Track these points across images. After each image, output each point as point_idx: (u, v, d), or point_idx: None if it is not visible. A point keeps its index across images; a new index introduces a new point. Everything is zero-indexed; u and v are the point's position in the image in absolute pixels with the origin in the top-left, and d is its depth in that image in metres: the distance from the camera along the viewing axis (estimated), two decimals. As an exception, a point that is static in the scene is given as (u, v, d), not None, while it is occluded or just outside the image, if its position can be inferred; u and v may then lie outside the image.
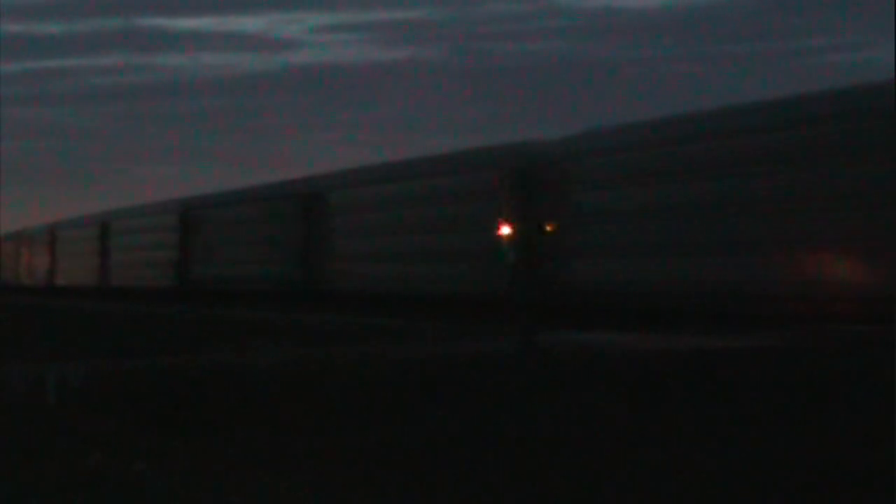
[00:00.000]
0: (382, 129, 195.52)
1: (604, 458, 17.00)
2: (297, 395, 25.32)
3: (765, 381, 26.91)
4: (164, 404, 23.75)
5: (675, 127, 56.68)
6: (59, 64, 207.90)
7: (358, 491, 14.89)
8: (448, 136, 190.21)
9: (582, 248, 58.34)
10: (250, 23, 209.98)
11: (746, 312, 48.78)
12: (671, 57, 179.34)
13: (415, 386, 26.92)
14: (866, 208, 45.41)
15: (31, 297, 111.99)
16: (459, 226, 68.02)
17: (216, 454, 17.73)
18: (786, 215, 48.74)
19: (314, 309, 68.24)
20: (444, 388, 26.26)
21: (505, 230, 44.25)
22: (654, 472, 15.89)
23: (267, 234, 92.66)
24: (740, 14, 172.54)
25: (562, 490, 14.89)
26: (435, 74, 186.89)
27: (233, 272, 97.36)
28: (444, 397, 24.66)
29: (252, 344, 39.59)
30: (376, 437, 19.26)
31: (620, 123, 63.10)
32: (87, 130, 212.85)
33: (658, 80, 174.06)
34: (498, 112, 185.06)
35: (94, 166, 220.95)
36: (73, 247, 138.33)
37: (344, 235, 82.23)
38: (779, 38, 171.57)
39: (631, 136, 59.06)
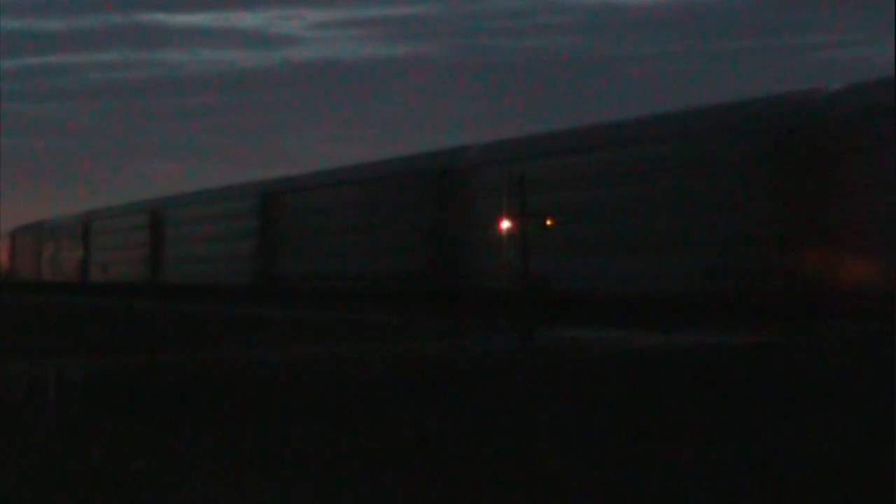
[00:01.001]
0: (382, 125, 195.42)
1: (601, 455, 17.05)
2: (297, 392, 25.34)
3: (761, 377, 26.94)
4: (163, 402, 23.78)
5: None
6: (59, 60, 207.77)
7: (357, 489, 14.93)
8: (448, 132, 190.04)
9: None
10: (249, 19, 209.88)
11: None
12: (671, 53, 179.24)
13: (414, 384, 26.95)
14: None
15: (59, 295, 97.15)
16: None
17: (215, 451, 17.76)
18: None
19: (316, 307, 68.15)
20: (443, 386, 26.30)
21: (505, 225, 44.18)
22: (651, 469, 15.94)
23: (389, 220, 76.81)
24: (740, 10, 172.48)
25: (561, 489, 14.94)
26: (435, 70, 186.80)
27: (331, 267, 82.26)
28: (443, 395, 24.70)
29: (251, 341, 39.60)
30: (375, 435, 19.29)
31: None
32: (86, 126, 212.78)
33: (658, 76, 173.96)
34: (498, 108, 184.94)
35: (94, 162, 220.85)
36: (114, 238, 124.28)
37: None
38: (779, 35, 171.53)
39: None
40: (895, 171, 47.01)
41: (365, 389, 25.77)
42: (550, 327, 42.93)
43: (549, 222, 45.55)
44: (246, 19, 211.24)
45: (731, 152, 54.08)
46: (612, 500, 14.25)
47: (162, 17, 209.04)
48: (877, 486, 14.59)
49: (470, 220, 70.18)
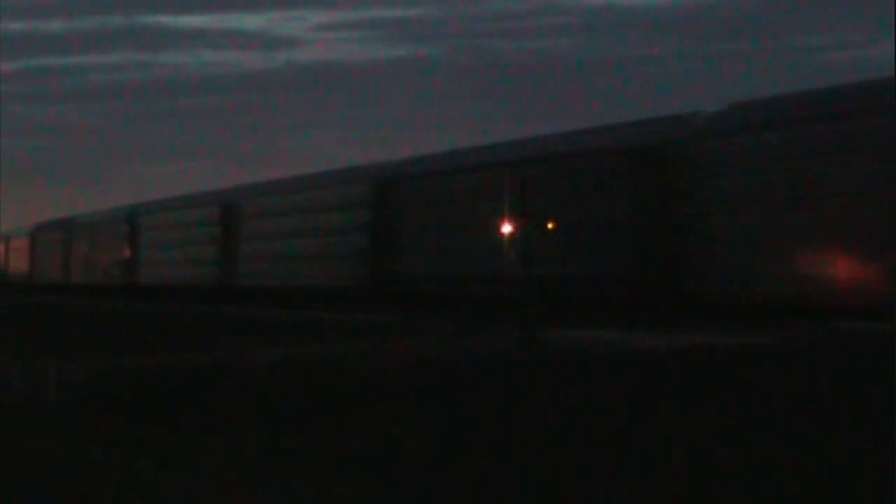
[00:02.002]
0: (383, 127, 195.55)
1: (603, 456, 17.04)
2: (298, 392, 25.35)
3: (763, 378, 26.93)
4: (164, 402, 23.78)
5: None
6: (61, 62, 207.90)
7: (358, 489, 14.92)
8: (449, 134, 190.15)
9: None
10: (252, 21, 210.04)
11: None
12: (673, 54, 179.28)
13: (415, 384, 26.94)
14: None
15: (97, 299, 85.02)
16: None
17: (217, 452, 17.76)
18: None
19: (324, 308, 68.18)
20: (444, 386, 26.30)
21: (506, 228, 44.29)
22: (652, 470, 15.93)
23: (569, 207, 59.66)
24: (742, 12, 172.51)
25: (562, 489, 14.93)
26: (436, 72, 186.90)
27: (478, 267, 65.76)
28: (443, 395, 24.70)
29: (252, 342, 39.60)
30: (377, 436, 19.29)
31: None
32: (89, 128, 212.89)
33: (660, 78, 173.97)
34: (499, 110, 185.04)
35: (97, 164, 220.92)
36: (166, 235, 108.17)
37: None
38: (781, 36, 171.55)
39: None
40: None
41: (368, 389, 25.77)
42: (553, 327, 42.91)
43: (549, 225, 45.56)
44: (248, 21, 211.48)
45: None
46: (614, 501, 14.25)
47: (164, 19, 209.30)
48: (877, 487, 14.60)
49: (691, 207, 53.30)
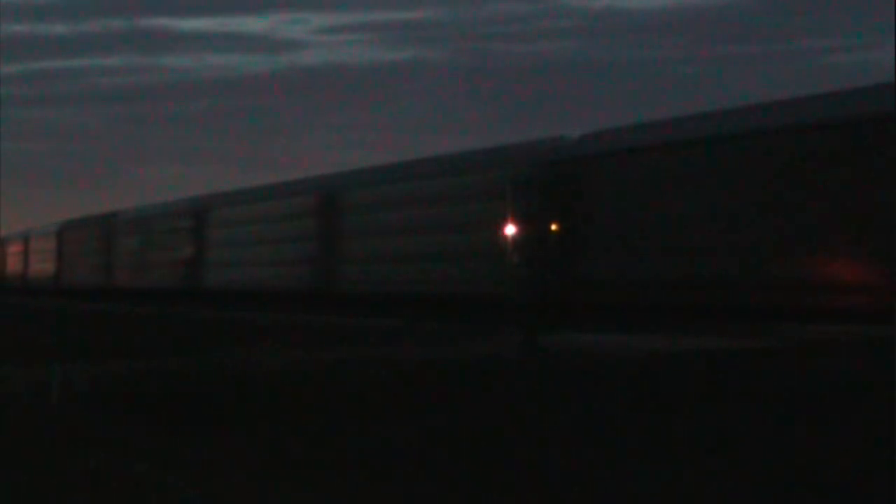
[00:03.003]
0: (387, 130, 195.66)
1: (607, 461, 17.07)
2: (302, 397, 25.38)
3: (766, 381, 26.95)
4: (168, 406, 23.82)
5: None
6: (63, 64, 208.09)
7: (362, 493, 14.96)
8: (453, 137, 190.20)
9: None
10: (255, 24, 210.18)
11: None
12: (675, 58, 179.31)
13: (418, 388, 26.98)
14: None
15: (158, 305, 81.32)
16: None
17: (220, 456, 17.80)
18: None
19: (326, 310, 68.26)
20: (446, 391, 26.33)
21: (510, 230, 44.26)
22: (656, 474, 15.96)
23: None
24: (744, 15, 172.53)
25: (564, 493, 14.96)
26: (439, 75, 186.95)
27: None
28: (446, 400, 24.73)
29: (258, 345, 39.64)
30: (380, 440, 19.33)
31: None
32: (91, 131, 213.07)
33: (662, 81, 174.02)
34: (503, 113, 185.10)
35: (99, 167, 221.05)
36: (249, 231, 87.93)
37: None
38: (782, 40, 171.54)
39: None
40: None
41: (370, 394, 25.80)
42: (553, 331, 42.94)
43: (554, 227, 45.43)
44: (251, 24, 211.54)
45: None
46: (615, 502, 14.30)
47: (166, 22, 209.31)
48: (878, 488, 14.62)
49: None
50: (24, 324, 56.50)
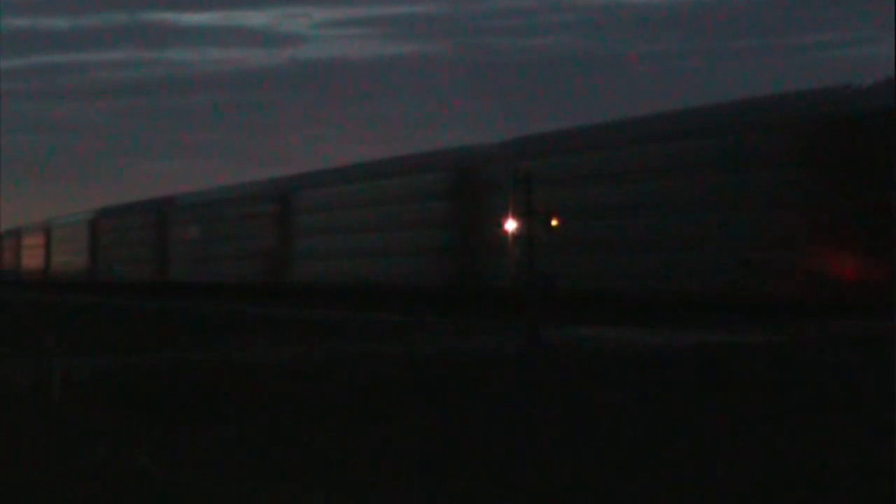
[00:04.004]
0: (387, 124, 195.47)
1: (608, 453, 17.08)
2: (300, 391, 25.38)
3: (766, 376, 26.95)
4: (167, 400, 23.83)
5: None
6: (65, 59, 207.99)
7: (360, 486, 14.96)
8: (453, 130, 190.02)
9: None
10: (256, 17, 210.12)
11: None
12: (676, 52, 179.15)
13: (420, 382, 26.98)
14: None
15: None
16: None
17: (219, 449, 17.81)
18: None
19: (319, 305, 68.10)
20: (448, 385, 26.33)
21: (510, 226, 44.12)
22: (658, 467, 15.96)
23: None
24: (746, 9, 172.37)
25: (566, 486, 14.97)
26: (440, 69, 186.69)
27: None
28: (448, 394, 24.74)
29: (255, 340, 39.64)
30: (379, 434, 19.32)
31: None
32: (93, 125, 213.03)
33: (663, 75, 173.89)
34: (503, 107, 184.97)
35: (101, 161, 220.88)
36: (346, 217, 74.07)
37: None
38: (784, 34, 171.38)
39: None
40: None
41: (373, 389, 25.81)
42: (556, 326, 42.91)
43: (554, 222, 45.28)
44: (252, 18, 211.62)
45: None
46: (617, 501, 14.28)
47: (168, 16, 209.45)
48: (878, 486, 14.62)
49: None
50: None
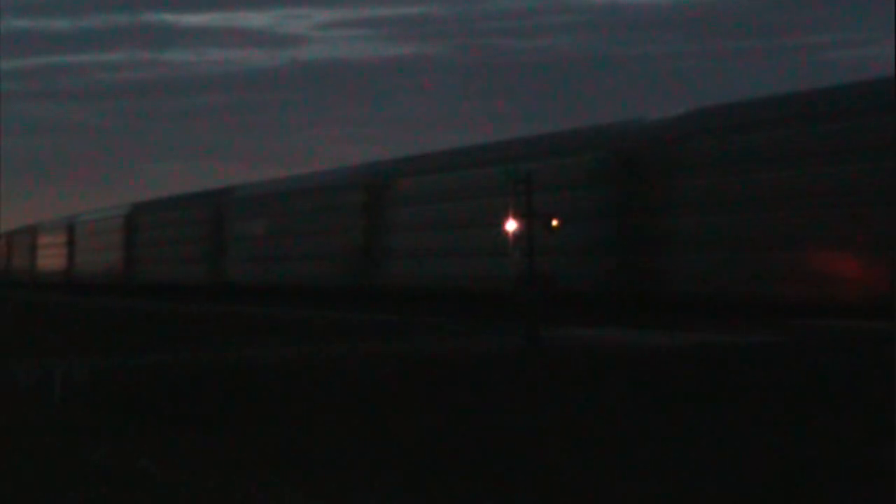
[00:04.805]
0: (388, 125, 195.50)
1: (608, 455, 17.10)
2: (301, 392, 25.41)
3: (766, 376, 26.98)
4: (168, 401, 23.86)
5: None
6: (65, 60, 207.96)
7: (360, 488, 14.98)
8: (454, 132, 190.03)
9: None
10: (256, 18, 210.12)
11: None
12: (676, 53, 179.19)
13: (420, 383, 27.01)
14: None
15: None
16: None
17: (220, 451, 17.83)
18: None
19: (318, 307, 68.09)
20: (448, 386, 26.36)
21: (510, 226, 44.15)
22: (656, 468, 15.99)
23: None
24: (746, 10, 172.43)
25: (567, 487, 14.99)
26: (441, 70, 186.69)
27: None
28: (448, 394, 24.76)
29: (257, 341, 39.67)
30: (380, 435, 19.35)
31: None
32: (93, 126, 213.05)
33: (663, 76, 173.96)
34: (504, 108, 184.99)
35: (101, 162, 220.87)
36: (458, 208, 61.94)
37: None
38: (784, 35, 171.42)
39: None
40: None
41: (370, 389, 25.84)
42: (556, 326, 42.94)
43: (554, 223, 45.22)
44: (253, 19, 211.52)
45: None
46: (618, 501, 14.30)
47: (168, 17, 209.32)
48: (878, 486, 14.65)
49: None
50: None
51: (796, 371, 28.06)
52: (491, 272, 57.68)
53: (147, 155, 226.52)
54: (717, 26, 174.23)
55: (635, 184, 53.39)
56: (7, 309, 69.61)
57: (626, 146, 54.37)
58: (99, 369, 29.08)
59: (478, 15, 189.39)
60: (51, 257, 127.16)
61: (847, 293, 43.54)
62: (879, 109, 44.18)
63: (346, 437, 18.98)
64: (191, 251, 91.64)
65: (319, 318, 54.93)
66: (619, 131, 56.39)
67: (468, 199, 61.73)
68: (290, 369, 30.03)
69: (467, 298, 59.56)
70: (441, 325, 47.39)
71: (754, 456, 16.73)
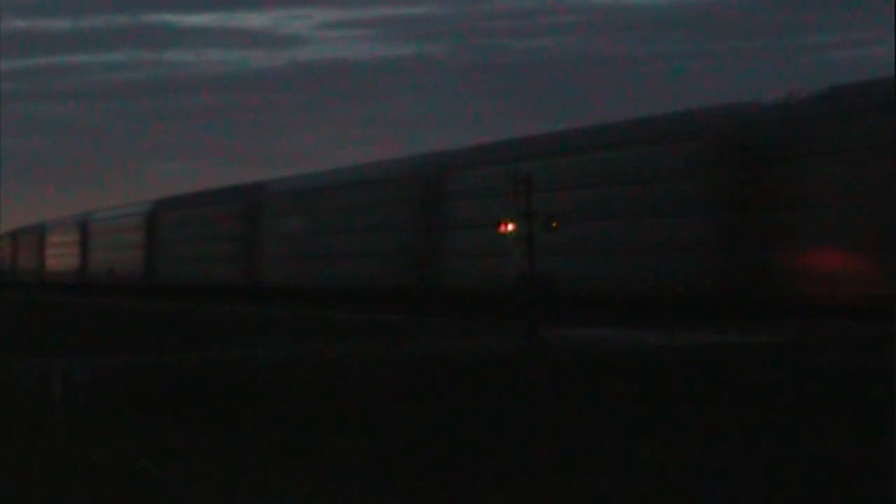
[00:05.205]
0: (388, 125, 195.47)
1: (608, 455, 17.11)
2: (303, 392, 25.41)
3: (767, 376, 26.98)
4: (168, 401, 23.85)
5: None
6: (66, 60, 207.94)
7: (362, 488, 14.99)
8: (454, 132, 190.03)
9: None
10: (257, 19, 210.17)
11: None
12: (678, 53, 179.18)
13: (421, 383, 27.01)
14: None
15: None
16: None
17: (221, 450, 17.83)
18: None
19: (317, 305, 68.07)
20: (450, 385, 26.36)
21: (509, 227, 44.13)
22: (657, 468, 15.99)
23: None
24: (748, 10, 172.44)
25: (567, 487, 15.00)
26: (441, 70, 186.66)
27: None
28: (450, 394, 24.77)
29: (258, 340, 39.68)
30: (381, 435, 19.35)
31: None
32: (93, 127, 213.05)
33: (665, 76, 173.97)
34: (504, 108, 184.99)
35: (101, 162, 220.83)
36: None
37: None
38: (786, 35, 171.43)
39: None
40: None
41: (371, 389, 25.84)
42: (556, 327, 42.95)
43: (554, 223, 45.12)
44: (252, 19, 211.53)
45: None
46: (618, 501, 14.31)
47: (168, 18, 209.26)
48: (878, 486, 14.66)
49: None
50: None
51: (798, 371, 28.08)
52: (603, 270, 54.76)
53: (148, 155, 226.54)
54: (716, 27, 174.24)
55: (749, 172, 48.10)
56: (9, 309, 69.59)
57: (738, 130, 48.44)
58: (99, 369, 29.08)
59: (478, 15, 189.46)
60: (62, 257, 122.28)
61: None
62: None
63: (345, 437, 18.98)
64: (222, 250, 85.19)
65: (320, 317, 54.94)
66: (727, 114, 50.47)
67: (559, 189, 55.05)
68: (290, 369, 30.04)
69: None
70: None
71: (754, 456, 16.73)
